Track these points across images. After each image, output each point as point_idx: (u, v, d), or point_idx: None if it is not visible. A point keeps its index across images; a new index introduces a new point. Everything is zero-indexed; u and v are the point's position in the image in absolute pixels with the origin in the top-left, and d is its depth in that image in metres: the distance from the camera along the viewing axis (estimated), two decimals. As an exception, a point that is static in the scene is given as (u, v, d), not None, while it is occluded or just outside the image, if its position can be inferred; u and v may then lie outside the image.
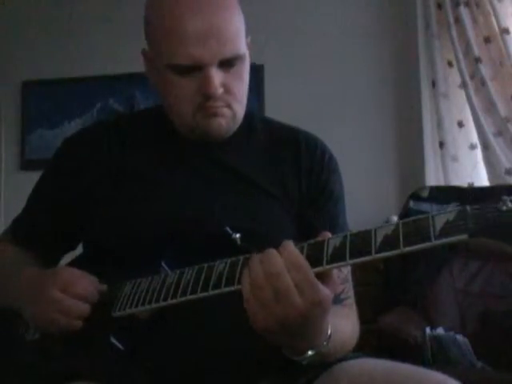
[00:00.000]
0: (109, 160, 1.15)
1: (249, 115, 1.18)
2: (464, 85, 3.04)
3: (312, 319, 0.87)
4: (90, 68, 3.54)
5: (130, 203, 1.10)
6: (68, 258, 1.23)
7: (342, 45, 3.31)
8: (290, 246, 0.86)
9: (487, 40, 3.04)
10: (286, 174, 1.15)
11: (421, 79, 3.18)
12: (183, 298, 0.94)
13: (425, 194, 2.81)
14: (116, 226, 1.10)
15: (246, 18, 1.11)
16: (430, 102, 3.18)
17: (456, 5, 3.06)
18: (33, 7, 3.68)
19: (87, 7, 3.60)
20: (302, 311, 0.84)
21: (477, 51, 3.01)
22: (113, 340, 0.98)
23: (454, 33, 3.06)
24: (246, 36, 1.11)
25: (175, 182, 1.12)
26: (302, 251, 0.87)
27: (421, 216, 0.82)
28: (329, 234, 0.88)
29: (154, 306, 0.97)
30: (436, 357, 2.17)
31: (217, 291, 0.91)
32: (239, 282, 0.89)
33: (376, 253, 0.82)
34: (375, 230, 0.84)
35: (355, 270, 1.11)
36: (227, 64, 1.07)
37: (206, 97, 1.06)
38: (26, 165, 3.61)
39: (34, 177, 1.26)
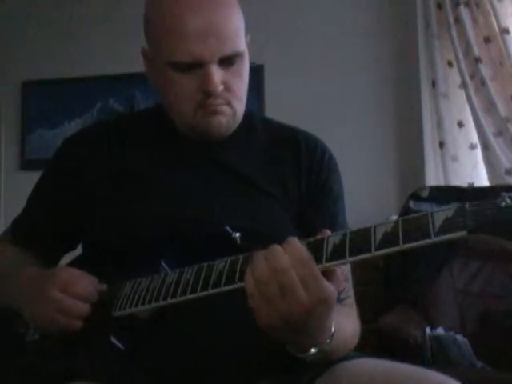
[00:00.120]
0: (109, 160, 1.15)
1: (248, 115, 1.18)
2: (464, 85, 3.04)
3: (317, 316, 0.87)
4: (90, 68, 3.54)
5: (129, 203, 1.10)
6: (68, 258, 1.23)
7: (342, 45, 3.31)
8: (294, 241, 0.86)
9: (487, 40, 3.04)
10: (286, 174, 1.15)
11: (421, 79, 3.18)
12: (183, 298, 0.94)
13: (425, 194, 2.81)
14: (116, 226, 1.10)
15: (245, 17, 1.12)
16: (430, 101, 3.17)
17: (456, 5, 3.06)
18: (33, 7, 3.68)
19: (87, 7, 3.60)
20: (307, 308, 0.84)
21: (477, 51, 3.01)
22: (113, 340, 0.98)
23: (454, 33, 3.06)
24: (246, 35, 1.12)
25: (175, 181, 1.12)
26: None
27: (420, 213, 0.82)
28: (328, 232, 0.88)
29: (153, 305, 0.97)
30: (436, 357, 2.17)
31: (217, 290, 0.91)
32: (239, 281, 0.90)
33: (376, 250, 0.82)
34: (375, 228, 0.84)
35: (355, 269, 1.11)
36: (227, 62, 1.07)
37: (206, 94, 1.07)
38: (26, 165, 3.61)
39: (34, 177, 1.26)
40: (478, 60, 3.00)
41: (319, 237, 0.88)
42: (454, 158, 3.09)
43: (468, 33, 3.03)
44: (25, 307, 1.06)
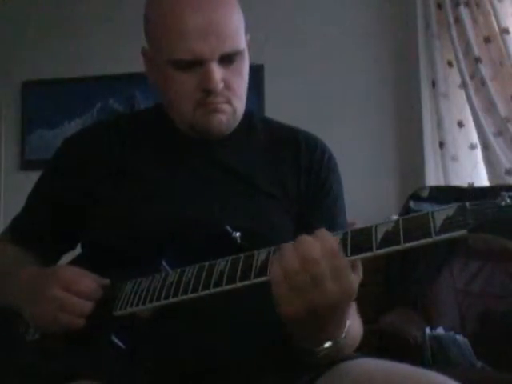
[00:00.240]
0: (109, 160, 1.15)
1: (248, 115, 1.19)
2: (464, 85, 3.04)
3: (340, 309, 0.87)
4: (90, 68, 3.54)
5: (129, 203, 1.10)
6: (67, 258, 1.22)
7: (342, 45, 3.31)
8: (325, 232, 0.86)
9: (487, 40, 3.04)
10: (286, 174, 1.15)
11: (421, 79, 3.18)
12: (184, 297, 0.94)
13: (425, 194, 2.81)
14: (116, 226, 1.10)
15: (245, 17, 1.12)
16: (430, 101, 3.18)
17: (456, 5, 3.06)
18: (33, 7, 3.68)
19: (87, 7, 3.61)
20: (334, 300, 0.84)
21: (477, 51, 3.01)
22: (114, 339, 0.98)
23: (454, 33, 3.06)
24: (246, 34, 1.12)
25: (175, 181, 1.12)
26: None
27: (421, 212, 0.82)
28: (324, 230, 0.88)
29: (155, 304, 0.97)
30: (436, 357, 2.17)
31: (218, 289, 0.91)
32: (240, 280, 0.90)
33: (377, 249, 0.82)
34: (376, 227, 0.84)
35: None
36: (227, 60, 1.07)
37: (206, 92, 1.07)
38: (26, 165, 3.61)
39: (34, 177, 1.26)
40: (478, 60, 3.00)
41: None
42: (454, 158, 3.09)
43: (468, 33, 3.03)
44: (25, 307, 1.06)
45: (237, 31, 1.08)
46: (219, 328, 1.03)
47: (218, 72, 1.06)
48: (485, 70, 2.99)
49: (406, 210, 2.79)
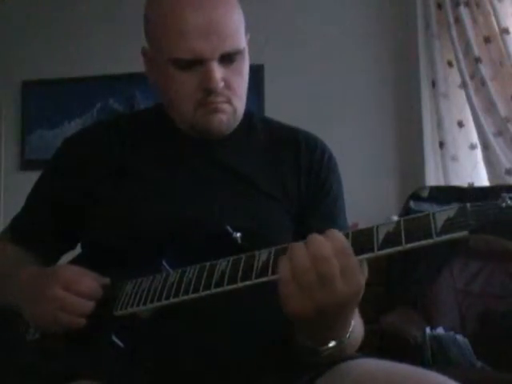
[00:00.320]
0: (109, 160, 1.15)
1: (248, 115, 1.19)
2: (464, 85, 3.04)
3: (347, 308, 0.87)
4: (90, 68, 3.55)
5: (130, 203, 1.10)
6: (67, 258, 1.22)
7: (342, 45, 3.31)
8: (335, 232, 0.86)
9: (487, 40, 3.04)
10: (286, 174, 1.15)
11: (421, 79, 3.18)
12: (185, 297, 0.94)
13: (425, 194, 2.81)
14: (116, 226, 1.10)
15: (245, 17, 1.12)
16: (429, 101, 3.18)
17: (456, 5, 3.07)
18: (33, 7, 3.68)
19: (87, 7, 3.61)
20: (343, 299, 0.84)
21: (477, 51, 3.01)
22: (114, 339, 0.98)
23: (454, 33, 3.06)
24: (246, 34, 1.12)
25: (175, 181, 1.12)
26: None
27: (422, 213, 0.82)
28: (334, 230, 0.88)
29: (156, 304, 0.97)
30: (436, 357, 2.17)
31: (219, 289, 0.91)
32: (241, 280, 0.90)
33: (378, 250, 0.83)
34: (377, 227, 0.85)
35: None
36: (228, 59, 1.07)
37: (207, 91, 1.07)
38: (26, 165, 3.61)
39: (34, 177, 1.26)
40: (478, 60, 3.01)
41: None
42: (454, 158, 3.09)
43: (468, 33, 3.03)
44: (25, 306, 1.06)
45: (237, 30, 1.08)
46: (219, 328, 1.03)
47: (218, 71, 1.06)
48: (485, 70, 2.99)
49: (406, 210, 2.79)
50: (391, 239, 0.82)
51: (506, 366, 2.07)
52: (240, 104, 1.12)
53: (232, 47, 1.07)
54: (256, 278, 0.89)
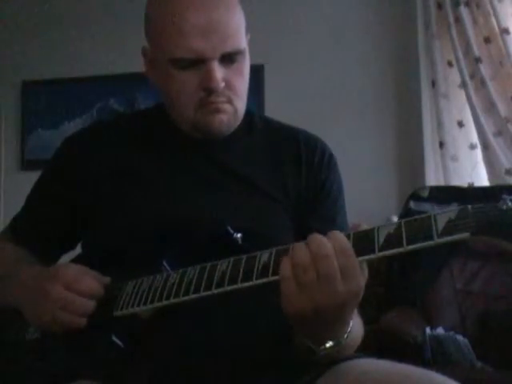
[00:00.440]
0: (109, 160, 1.15)
1: (249, 114, 1.19)
2: (464, 85, 3.04)
3: (346, 309, 0.87)
4: (90, 68, 3.54)
5: (130, 203, 1.10)
6: (67, 258, 1.22)
7: (342, 45, 3.31)
8: (337, 232, 0.86)
9: (487, 40, 3.04)
10: (286, 174, 1.15)
11: (421, 79, 3.18)
12: (186, 297, 0.94)
13: (425, 194, 2.81)
14: (116, 226, 1.10)
15: (246, 17, 1.12)
16: (429, 101, 3.18)
17: (456, 5, 3.07)
18: (33, 7, 3.68)
19: (87, 7, 3.61)
20: (341, 300, 0.85)
21: (477, 51, 3.01)
22: (114, 339, 0.98)
23: (454, 33, 3.06)
24: (246, 34, 1.12)
25: (176, 182, 1.12)
26: None
27: (423, 215, 0.82)
28: (336, 231, 0.88)
29: (156, 304, 0.97)
30: (436, 357, 2.17)
31: (220, 290, 0.91)
32: (242, 281, 0.90)
33: (379, 251, 0.83)
34: (378, 229, 0.85)
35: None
36: (228, 59, 1.07)
37: (207, 91, 1.07)
38: (26, 165, 3.61)
39: (34, 177, 1.26)
40: (478, 60, 3.01)
41: None
42: (454, 158, 3.09)
43: (468, 33, 3.03)
44: (26, 306, 1.06)
45: (238, 30, 1.08)
46: (219, 328, 1.03)
47: (219, 71, 1.06)
48: (485, 70, 3.00)
49: (406, 210, 2.79)
50: (392, 241, 0.83)
51: (506, 366, 2.07)
52: (241, 104, 1.12)
53: (233, 47, 1.07)
54: (257, 278, 0.89)
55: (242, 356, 1.02)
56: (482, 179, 3.05)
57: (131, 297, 1.00)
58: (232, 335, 1.03)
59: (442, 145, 3.10)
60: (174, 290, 0.96)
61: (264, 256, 0.91)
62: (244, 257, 0.92)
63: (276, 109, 3.05)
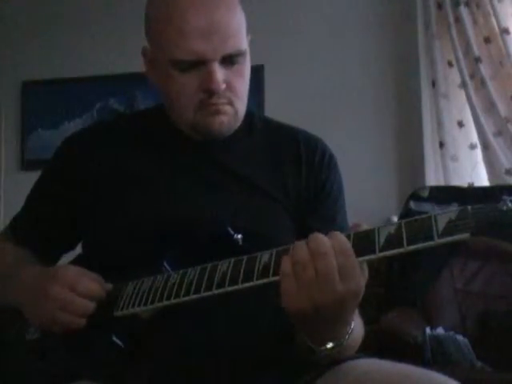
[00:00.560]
0: (109, 160, 1.15)
1: (249, 115, 1.18)
2: (464, 85, 3.04)
3: (346, 309, 0.88)
4: (90, 68, 3.54)
5: (130, 203, 1.10)
6: (67, 258, 1.22)
7: (342, 45, 3.31)
8: (337, 233, 0.87)
9: (487, 40, 3.04)
10: (286, 174, 1.15)
11: (421, 79, 3.18)
12: (186, 298, 0.94)
13: (425, 194, 2.81)
14: (116, 226, 1.10)
15: (246, 17, 1.12)
16: (429, 101, 3.18)
17: (456, 5, 3.07)
18: (33, 7, 3.68)
19: (87, 7, 3.61)
20: (340, 298, 0.85)
21: (477, 51, 3.01)
22: (114, 339, 0.98)
23: (454, 33, 3.06)
24: (247, 35, 1.12)
25: (176, 182, 1.12)
26: None
27: (423, 215, 0.83)
28: (337, 232, 0.88)
29: (157, 305, 0.97)
30: (436, 357, 2.17)
31: (220, 291, 0.92)
32: (243, 282, 0.90)
33: (380, 251, 0.83)
34: (378, 229, 0.85)
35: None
36: (229, 60, 1.07)
37: (208, 93, 1.07)
38: (26, 165, 3.61)
39: (34, 177, 1.26)
40: (478, 60, 3.01)
41: None
42: (454, 158, 3.09)
43: (468, 33, 3.03)
44: (26, 306, 1.06)
45: (239, 31, 1.08)
46: (220, 328, 1.03)
47: (219, 72, 1.06)
48: (485, 70, 2.99)
49: (406, 210, 2.79)
50: (393, 241, 0.83)
51: (506, 366, 2.07)
52: (241, 105, 1.12)
53: (234, 48, 1.07)
54: (257, 279, 0.90)
55: (242, 356, 1.02)
56: (482, 179, 3.05)
57: (132, 297, 1.00)
58: (232, 335, 1.03)
59: (441, 145, 3.10)
60: (175, 290, 0.96)
61: (264, 257, 0.91)
62: (244, 257, 0.92)
63: (276, 109, 3.05)
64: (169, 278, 0.98)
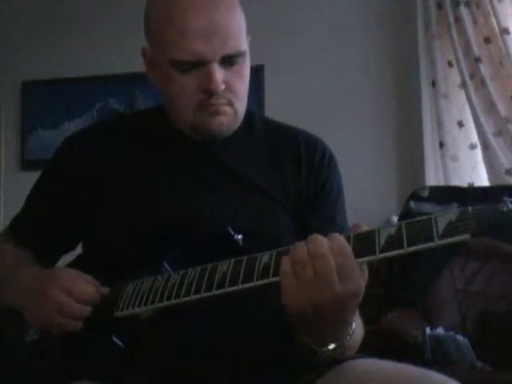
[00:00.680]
0: (109, 160, 1.15)
1: (249, 115, 1.18)
2: (464, 85, 3.04)
3: (346, 310, 0.88)
4: (90, 68, 3.54)
5: (130, 203, 1.10)
6: (67, 258, 1.22)
7: (342, 45, 3.31)
8: (337, 234, 0.87)
9: (487, 40, 3.04)
10: (286, 174, 1.15)
11: (421, 79, 3.18)
12: (187, 298, 0.94)
13: (425, 194, 2.81)
14: (116, 226, 1.10)
15: (246, 18, 1.12)
16: (429, 101, 3.17)
17: (456, 5, 3.06)
18: (33, 7, 3.68)
19: (88, 7, 3.60)
20: (340, 298, 0.85)
21: (477, 51, 3.01)
22: (114, 339, 0.98)
23: (454, 33, 3.06)
24: (247, 35, 1.12)
25: (176, 183, 1.12)
26: None
27: (423, 217, 0.83)
28: (336, 233, 0.88)
29: (157, 305, 0.97)
30: (436, 357, 2.17)
31: (221, 291, 0.92)
32: (243, 282, 0.90)
33: (380, 252, 0.83)
34: (379, 230, 0.85)
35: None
36: (229, 61, 1.07)
37: (208, 93, 1.07)
38: (26, 165, 3.60)
39: (34, 177, 1.26)
40: (477, 60, 3.01)
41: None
42: (454, 158, 3.09)
43: (468, 33, 3.03)
44: (26, 306, 1.06)
45: (239, 32, 1.08)
46: (220, 328, 1.03)
47: (219, 73, 1.06)
48: (485, 70, 2.99)
49: (406, 210, 2.79)
50: (393, 242, 0.83)
51: (506, 366, 2.07)
52: (241, 106, 1.12)
53: (233, 49, 1.07)
54: (257, 279, 0.90)
55: (242, 356, 1.02)
56: (482, 179, 3.05)
57: (132, 297, 1.00)
58: (232, 335, 1.03)
59: (442, 145, 3.10)
60: (175, 290, 0.96)
61: (264, 257, 0.91)
62: (244, 258, 0.93)
63: (276, 109, 3.05)
64: (169, 278, 0.98)
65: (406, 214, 2.75)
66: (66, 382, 0.98)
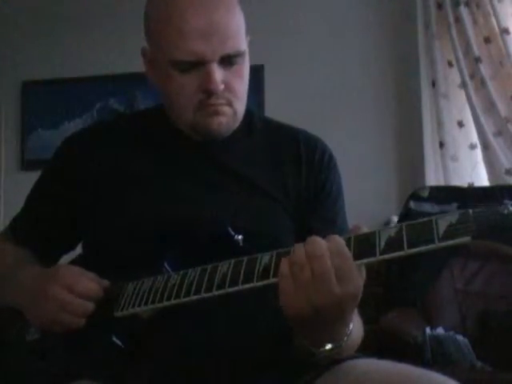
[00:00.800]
0: (109, 160, 1.15)
1: (249, 115, 1.18)
2: (464, 85, 3.04)
3: (345, 311, 0.88)
4: (90, 68, 3.54)
5: (130, 203, 1.10)
6: (67, 258, 1.22)
7: (342, 45, 3.31)
8: (336, 236, 0.87)
9: (487, 40, 3.04)
10: (286, 174, 1.15)
11: (421, 79, 3.18)
12: (187, 299, 0.94)
13: (425, 194, 2.81)
14: (116, 226, 1.10)
15: (245, 18, 1.12)
16: (429, 101, 3.18)
17: (456, 5, 3.07)
18: (33, 7, 3.68)
19: (88, 7, 3.60)
20: (337, 300, 0.85)
21: (477, 51, 3.01)
22: (114, 339, 0.98)
23: (454, 33, 3.06)
24: (246, 35, 1.12)
25: (176, 183, 1.12)
26: None
27: (424, 219, 0.83)
28: (335, 235, 0.88)
29: (157, 305, 0.97)
30: (436, 357, 2.17)
31: (221, 291, 0.92)
32: (243, 283, 0.90)
33: (380, 254, 0.83)
34: (379, 232, 0.85)
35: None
36: (228, 61, 1.07)
37: (207, 93, 1.07)
38: (26, 165, 3.60)
39: (34, 177, 1.26)
40: (478, 60, 3.01)
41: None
42: (454, 158, 3.09)
43: (468, 33, 3.03)
44: (27, 306, 1.06)
45: (238, 32, 1.08)
46: (219, 328, 1.03)
47: (218, 73, 1.06)
48: (485, 70, 3.00)
49: (406, 210, 2.79)
50: (393, 244, 0.83)
51: (506, 366, 2.07)
52: (240, 106, 1.12)
53: (233, 49, 1.07)
54: (257, 280, 0.90)
55: (242, 356, 1.02)
56: (482, 179, 3.05)
57: (132, 297, 1.00)
58: (232, 336, 1.03)
59: (441, 145, 3.10)
60: (175, 291, 0.96)
61: (265, 258, 0.91)
62: (245, 258, 0.92)
63: (276, 109, 3.05)
64: (169, 278, 0.98)
65: (405, 214, 2.75)
66: (66, 382, 0.98)
